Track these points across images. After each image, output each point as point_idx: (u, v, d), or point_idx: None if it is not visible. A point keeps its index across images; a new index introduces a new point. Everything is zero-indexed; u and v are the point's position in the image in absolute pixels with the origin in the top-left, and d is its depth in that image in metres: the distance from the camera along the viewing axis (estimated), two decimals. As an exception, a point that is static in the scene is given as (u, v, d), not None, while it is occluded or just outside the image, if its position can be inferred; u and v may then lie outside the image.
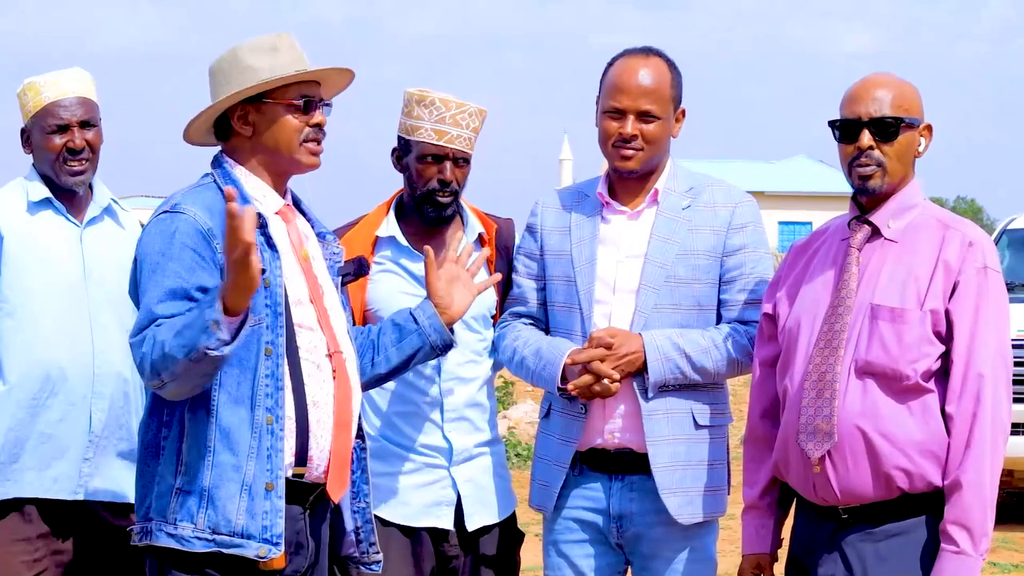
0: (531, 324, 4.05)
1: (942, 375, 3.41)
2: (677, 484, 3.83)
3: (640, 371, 3.81)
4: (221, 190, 3.33)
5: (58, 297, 4.14)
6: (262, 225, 3.37)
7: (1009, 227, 10.94)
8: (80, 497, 4.15)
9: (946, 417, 3.39)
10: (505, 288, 4.17)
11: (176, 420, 3.31)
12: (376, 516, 3.97)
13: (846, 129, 3.50)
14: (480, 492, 4.12)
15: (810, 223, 48.50)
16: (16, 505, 4.11)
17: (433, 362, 4.05)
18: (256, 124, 3.44)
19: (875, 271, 3.49)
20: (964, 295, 3.39)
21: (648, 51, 3.93)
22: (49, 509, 4.14)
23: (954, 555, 3.33)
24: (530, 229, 4.08)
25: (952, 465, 3.37)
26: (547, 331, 4.02)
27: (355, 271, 3.80)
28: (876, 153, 3.47)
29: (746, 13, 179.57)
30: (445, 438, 4.09)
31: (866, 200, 3.54)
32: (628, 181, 3.95)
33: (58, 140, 4.19)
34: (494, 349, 4.17)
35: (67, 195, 4.26)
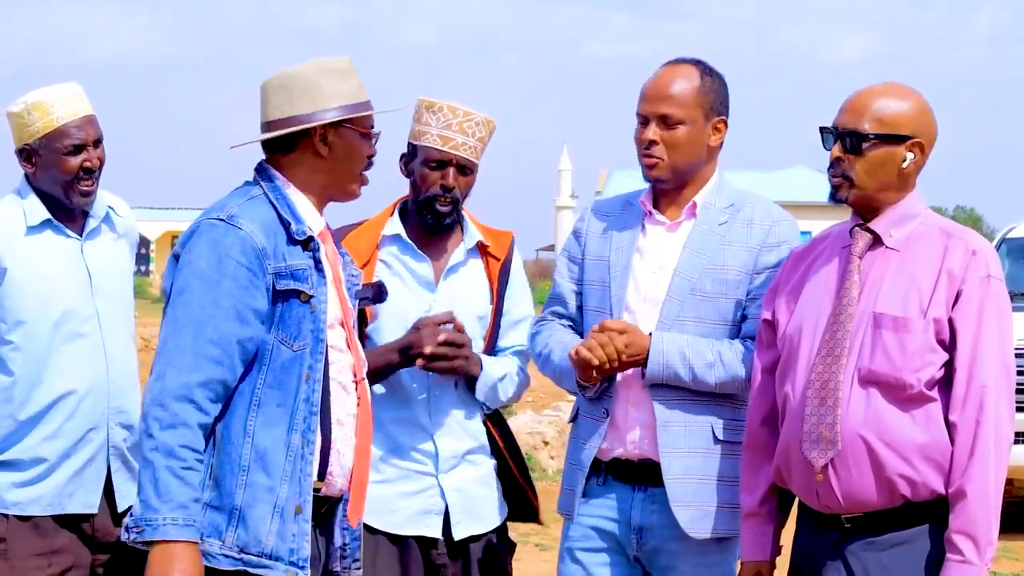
0: (570, 327, 4.02)
1: (945, 383, 3.40)
2: (692, 497, 3.77)
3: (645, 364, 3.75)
4: (274, 206, 3.33)
5: (66, 319, 4.10)
6: (314, 248, 3.37)
7: (1009, 236, 10.95)
8: (94, 511, 4.13)
9: (949, 426, 3.38)
10: (498, 301, 4.18)
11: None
12: (364, 524, 3.96)
13: (823, 137, 3.52)
14: (468, 501, 4.12)
15: (809, 232, 48.47)
16: (32, 520, 4.07)
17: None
18: (333, 146, 3.40)
19: (877, 279, 3.48)
20: (967, 304, 3.38)
21: (681, 60, 3.89)
22: (67, 524, 4.11)
23: (959, 564, 3.32)
24: (576, 233, 4.04)
25: (956, 474, 3.36)
26: (581, 336, 3.95)
27: (374, 296, 3.80)
28: (842, 165, 3.46)
29: (742, 20, 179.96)
30: (433, 443, 4.09)
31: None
32: (667, 191, 3.90)
33: (74, 161, 4.13)
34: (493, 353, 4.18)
35: (65, 210, 4.21)
